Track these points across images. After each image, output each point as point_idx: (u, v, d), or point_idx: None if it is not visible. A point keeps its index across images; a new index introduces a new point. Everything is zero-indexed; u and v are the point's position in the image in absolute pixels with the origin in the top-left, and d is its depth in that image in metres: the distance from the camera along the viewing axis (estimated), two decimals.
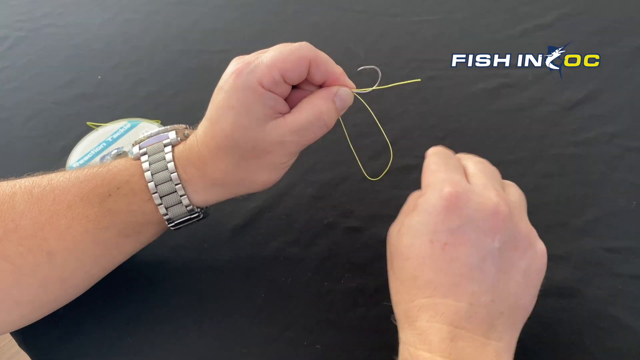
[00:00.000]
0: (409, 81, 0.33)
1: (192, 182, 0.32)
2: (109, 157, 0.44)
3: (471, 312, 0.25)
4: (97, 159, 0.44)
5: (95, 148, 0.45)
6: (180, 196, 0.31)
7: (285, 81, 0.30)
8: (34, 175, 0.33)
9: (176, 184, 0.31)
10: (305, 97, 0.32)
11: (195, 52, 0.57)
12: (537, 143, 0.45)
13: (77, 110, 0.52)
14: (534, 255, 0.28)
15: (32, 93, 0.55)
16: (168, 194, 0.31)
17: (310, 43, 0.60)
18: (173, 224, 0.33)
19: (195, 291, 0.37)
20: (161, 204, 0.31)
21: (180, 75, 0.55)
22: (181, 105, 0.52)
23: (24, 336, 0.35)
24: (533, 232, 0.29)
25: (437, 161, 0.30)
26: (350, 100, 0.32)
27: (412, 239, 0.27)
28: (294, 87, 0.32)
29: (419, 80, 0.33)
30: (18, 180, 0.32)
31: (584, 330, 0.33)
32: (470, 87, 0.50)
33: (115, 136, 0.46)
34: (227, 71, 0.31)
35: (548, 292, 0.35)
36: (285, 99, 0.32)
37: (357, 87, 0.33)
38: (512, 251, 0.26)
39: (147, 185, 0.31)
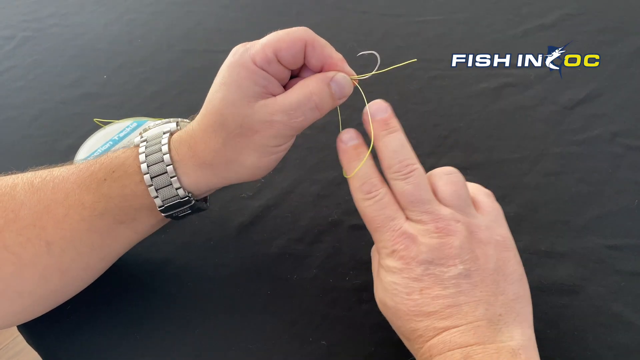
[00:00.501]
0: (406, 62, 0.33)
1: (183, 163, 0.32)
2: None
3: (473, 328, 0.26)
4: None
5: (101, 147, 0.46)
6: (171, 178, 0.31)
7: (280, 61, 0.30)
8: (36, 169, 0.33)
9: (167, 165, 0.31)
10: None
11: (199, 52, 0.58)
12: (540, 142, 0.45)
13: (83, 109, 0.52)
14: (496, 249, 0.29)
15: (38, 92, 0.55)
16: (159, 175, 0.31)
17: None
18: (163, 208, 0.32)
19: (201, 288, 0.37)
20: (151, 185, 0.31)
21: (184, 75, 0.55)
22: (186, 104, 0.52)
23: (31, 333, 0.36)
24: (481, 228, 0.29)
25: (369, 205, 0.29)
26: (348, 87, 0.31)
27: (392, 300, 0.28)
28: (295, 76, 0.32)
29: (415, 60, 0.32)
30: (21, 173, 0.33)
31: (586, 326, 0.34)
32: (473, 87, 0.51)
33: (121, 135, 0.47)
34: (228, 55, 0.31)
35: (551, 289, 0.35)
36: (285, 87, 0.32)
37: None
38: (476, 261, 0.28)
39: (140, 167, 0.31)
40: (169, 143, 0.32)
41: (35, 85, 0.56)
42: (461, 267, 0.27)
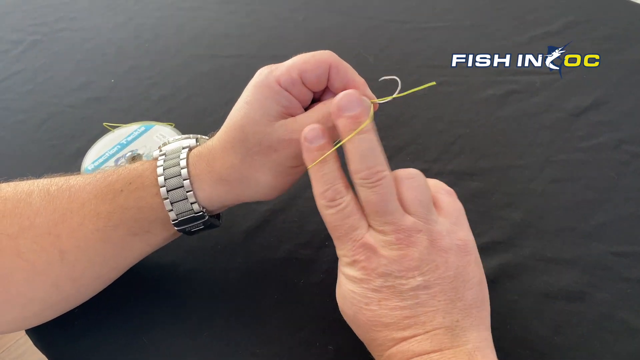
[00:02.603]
0: (425, 85, 0.32)
1: (200, 178, 0.32)
2: (123, 160, 0.45)
3: (430, 337, 0.27)
4: (112, 161, 0.45)
5: (109, 150, 0.46)
6: (187, 192, 0.32)
7: (304, 83, 0.30)
8: (52, 176, 0.34)
9: (184, 179, 0.32)
10: None
11: (207, 57, 0.58)
12: (546, 149, 0.45)
13: (91, 113, 0.53)
14: (457, 255, 0.28)
15: (46, 96, 0.56)
16: (175, 189, 0.31)
17: (320, 48, 0.60)
18: (177, 222, 0.32)
19: (209, 292, 0.37)
20: (167, 198, 0.32)
21: (192, 80, 0.56)
22: (193, 108, 0.52)
23: (39, 336, 0.36)
24: (442, 235, 0.28)
25: (331, 214, 0.29)
26: (368, 110, 0.30)
27: (352, 308, 0.28)
28: (317, 100, 0.33)
29: (434, 83, 0.32)
30: (36, 180, 0.33)
31: (592, 333, 0.34)
32: (479, 93, 0.51)
33: (129, 139, 0.47)
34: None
35: (557, 296, 0.35)
36: (306, 110, 0.32)
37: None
38: (436, 271, 0.27)
39: (157, 179, 0.32)
40: (187, 158, 0.32)
41: (44, 88, 0.56)
42: (420, 279, 0.27)
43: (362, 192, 0.28)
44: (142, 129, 0.48)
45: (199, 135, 0.35)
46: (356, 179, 0.28)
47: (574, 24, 0.57)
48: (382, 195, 0.28)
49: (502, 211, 0.41)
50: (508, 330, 0.30)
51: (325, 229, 0.40)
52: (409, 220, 0.28)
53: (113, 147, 0.46)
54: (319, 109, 0.31)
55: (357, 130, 0.28)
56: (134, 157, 0.45)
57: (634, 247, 0.38)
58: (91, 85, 0.56)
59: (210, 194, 0.32)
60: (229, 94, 0.53)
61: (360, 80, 0.32)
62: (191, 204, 0.32)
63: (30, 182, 0.33)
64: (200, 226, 0.34)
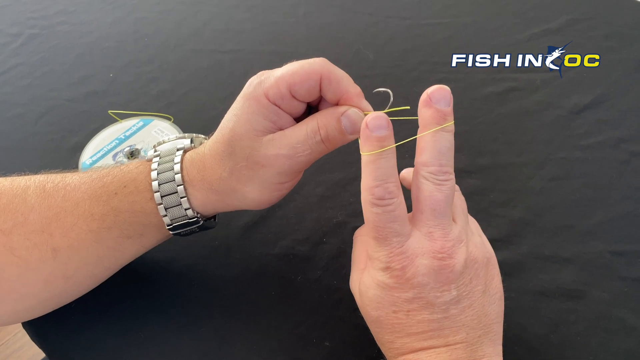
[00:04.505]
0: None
1: (192, 185, 0.32)
2: (121, 154, 0.45)
3: (450, 351, 0.26)
4: (110, 156, 0.45)
5: (107, 145, 0.46)
6: (181, 198, 0.31)
7: (294, 96, 0.29)
8: (50, 173, 0.34)
9: (178, 185, 0.31)
10: None
11: (206, 52, 0.58)
12: (545, 146, 0.45)
13: (90, 107, 0.53)
14: (486, 270, 0.28)
15: (44, 90, 0.55)
16: (169, 194, 0.31)
17: (320, 44, 0.60)
18: (172, 227, 0.32)
19: (206, 288, 0.37)
20: (161, 203, 0.31)
21: (191, 74, 0.55)
22: (192, 103, 0.52)
23: (36, 330, 0.36)
24: (475, 249, 0.28)
25: (376, 212, 0.27)
26: (360, 123, 0.29)
27: (376, 310, 0.28)
28: (312, 108, 0.32)
29: (409, 107, 0.30)
30: (33, 176, 0.33)
31: (589, 332, 0.34)
32: (479, 91, 0.51)
33: (127, 134, 0.47)
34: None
35: (554, 294, 0.35)
36: (300, 119, 0.31)
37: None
38: (467, 285, 0.27)
39: (151, 184, 0.31)
40: (181, 162, 0.32)
41: (42, 82, 0.56)
42: (455, 292, 0.26)
43: (426, 186, 0.27)
44: (141, 123, 0.48)
45: (194, 135, 0.35)
46: (423, 171, 0.27)
47: (575, 21, 0.57)
48: (447, 195, 0.27)
49: (501, 209, 0.41)
50: (504, 328, 0.30)
51: (323, 225, 0.41)
52: (456, 228, 0.27)
53: (111, 142, 0.46)
54: (307, 123, 0.30)
55: (443, 126, 0.27)
56: (132, 152, 0.45)
57: (632, 246, 0.38)
58: (90, 79, 0.56)
59: (203, 201, 0.32)
60: (228, 89, 0.53)
61: (356, 91, 0.30)
62: (185, 209, 0.32)
63: (27, 177, 0.33)
64: (195, 230, 0.34)
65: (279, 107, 0.29)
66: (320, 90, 0.29)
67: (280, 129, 0.30)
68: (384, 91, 0.30)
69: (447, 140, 0.27)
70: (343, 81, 0.29)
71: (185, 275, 0.38)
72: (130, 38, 0.61)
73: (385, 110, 0.28)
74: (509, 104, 0.49)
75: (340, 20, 0.60)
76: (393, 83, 0.52)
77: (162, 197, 0.31)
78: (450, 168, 0.28)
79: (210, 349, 0.34)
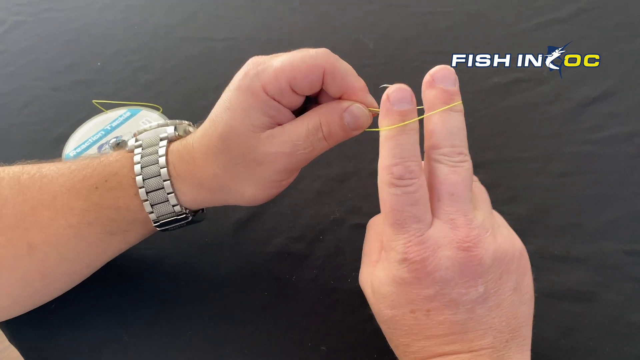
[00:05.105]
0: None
1: (180, 180, 0.29)
2: (107, 146, 0.43)
3: (474, 357, 0.23)
4: (95, 147, 0.43)
5: (93, 136, 0.44)
6: (168, 194, 0.29)
7: (294, 91, 0.27)
8: (26, 163, 0.31)
9: (164, 180, 0.29)
10: None
11: (198, 40, 0.56)
12: (553, 141, 0.43)
13: (76, 97, 0.50)
14: (517, 264, 0.25)
15: (29, 79, 0.53)
16: (155, 190, 0.29)
17: (318, 32, 0.58)
18: (159, 224, 0.31)
19: (195, 288, 0.35)
20: (147, 200, 0.29)
21: (182, 63, 0.53)
22: (182, 93, 0.50)
23: (13, 332, 0.34)
24: (503, 240, 0.25)
25: (394, 194, 0.24)
26: (364, 119, 0.28)
27: (391, 309, 0.25)
28: (312, 99, 0.30)
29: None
30: (7, 167, 0.31)
31: (601, 336, 0.32)
32: (484, 82, 0.49)
33: (114, 124, 0.44)
34: (240, 70, 0.28)
35: (565, 296, 0.34)
36: (299, 110, 0.29)
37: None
38: (496, 281, 0.24)
39: (135, 179, 0.29)
40: (167, 154, 0.30)
41: (27, 71, 0.54)
42: (482, 289, 0.23)
43: (440, 170, 0.24)
44: (128, 114, 0.46)
45: (177, 122, 0.32)
46: (435, 154, 0.25)
47: (583, 11, 0.54)
48: (464, 177, 0.24)
49: (506, 206, 0.39)
50: None
51: (320, 222, 0.39)
52: (480, 216, 0.25)
53: (97, 133, 0.44)
54: (308, 118, 0.28)
55: (450, 105, 0.25)
56: (119, 144, 0.43)
57: None
58: (76, 67, 0.54)
59: (193, 198, 0.30)
60: (220, 79, 0.50)
61: (360, 85, 0.28)
62: (173, 206, 0.30)
63: (0, 169, 0.30)
64: (183, 224, 0.32)
65: (278, 102, 0.27)
66: (323, 83, 0.27)
67: (279, 124, 0.28)
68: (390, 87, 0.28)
69: (458, 119, 0.25)
70: (347, 75, 0.28)
71: (173, 274, 0.36)
72: (119, 25, 0.59)
73: (392, 127, 0.26)
74: (515, 95, 0.47)
75: (339, 8, 0.58)
76: (393, 73, 0.50)
77: (147, 193, 0.29)
78: (464, 149, 0.25)
79: (199, 353, 0.32)
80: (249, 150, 0.28)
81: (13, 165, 0.31)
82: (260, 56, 0.28)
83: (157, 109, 0.46)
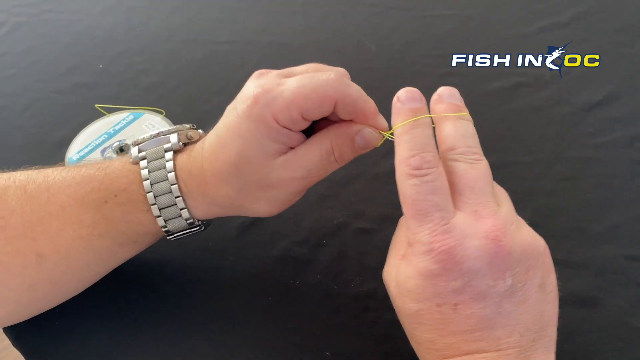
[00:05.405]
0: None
1: (192, 197, 0.30)
2: (110, 150, 0.43)
3: (501, 358, 0.23)
4: (98, 151, 0.43)
5: (95, 140, 0.44)
6: (180, 209, 0.30)
7: (304, 118, 0.28)
8: (30, 169, 0.31)
9: (176, 197, 0.29)
10: (326, 127, 0.29)
11: (200, 42, 0.56)
12: (555, 145, 0.43)
13: (77, 99, 0.50)
14: (542, 261, 0.25)
15: (30, 81, 0.53)
16: (167, 207, 0.29)
17: (320, 35, 0.58)
18: (172, 236, 0.31)
19: (199, 292, 0.35)
20: (160, 216, 0.29)
21: (184, 66, 0.53)
22: (185, 96, 0.50)
23: (17, 336, 0.34)
24: (528, 233, 0.25)
25: (414, 184, 0.24)
26: (374, 141, 0.29)
27: (417, 303, 0.24)
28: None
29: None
30: (13, 174, 0.31)
31: (604, 341, 0.32)
32: (486, 86, 0.49)
33: (117, 128, 0.44)
34: (245, 90, 0.28)
35: (567, 301, 0.33)
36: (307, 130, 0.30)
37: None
38: (524, 275, 0.24)
39: (145, 195, 0.29)
40: (175, 169, 0.30)
41: (28, 73, 0.54)
42: (510, 281, 0.23)
43: (459, 167, 0.25)
44: (131, 117, 0.45)
45: (178, 127, 0.32)
46: (451, 154, 0.25)
47: (585, 14, 0.54)
48: (482, 172, 0.25)
49: None
50: None
51: (323, 226, 0.39)
52: (503, 209, 0.25)
53: (100, 137, 0.44)
54: (320, 143, 0.28)
55: (460, 114, 0.26)
56: (122, 148, 0.43)
57: None
58: (78, 70, 0.53)
59: (204, 213, 0.31)
60: (222, 82, 0.51)
61: (371, 110, 0.28)
62: (186, 220, 0.30)
63: (5, 176, 0.30)
64: (195, 233, 0.32)
65: (290, 129, 0.28)
66: (334, 109, 0.28)
67: (291, 147, 0.29)
68: None
69: (469, 126, 0.26)
70: (359, 102, 0.28)
71: (176, 278, 0.36)
72: (121, 27, 0.58)
73: (404, 122, 0.27)
74: (517, 99, 0.47)
75: (341, 10, 0.58)
76: (395, 77, 0.50)
77: (160, 209, 0.29)
78: (479, 150, 0.26)
79: (202, 357, 0.32)
80: (262, 177, 0.28)
81: (18, 171, 0.31)
82: (266, 74, 0.28)
83: (160, 113, 0.46)
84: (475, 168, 0.25)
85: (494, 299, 0.23)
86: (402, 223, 0.28)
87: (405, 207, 0.25)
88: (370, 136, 0.29)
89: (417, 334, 0.25)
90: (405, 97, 0.26)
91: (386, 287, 0.27)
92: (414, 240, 0.24)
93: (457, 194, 0.25)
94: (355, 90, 0.28)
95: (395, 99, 0.26)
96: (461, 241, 0.23)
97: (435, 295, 0.23)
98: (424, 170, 0.24)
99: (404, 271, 0.25)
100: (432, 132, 0.26)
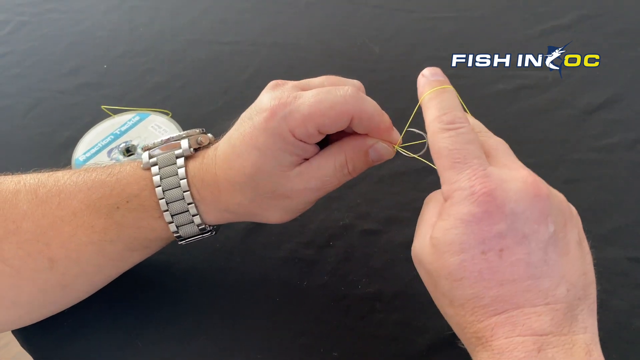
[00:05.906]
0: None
1: (204, 204, 0.30)
2: (117, 151, 0.43)
3: (551, 312, 0.22)
4: (105, 152, 0.43)
5: (102, 141, 0.44)
6: (193, 216, 0.30)
7: (320, 132, 0.28)
8: (40, 172, 0.31)
9: (189, 203, 0.30)
10: (340, 138, 0.30)
11: (204, 43, 0.56)
12: (558, 147, 0.44)
13: (82, 99, 0.50)
14: (577, 219, 0.25)
15: (34, 81, 0.53)
16: (179, 213, 0.30)
17: (324, 37, 0.58)
18: (184, 241, 0.32)
19: (206, 293, 0.35)
20: (172, 222, 0.30)
21: (189, 66, 0.53)
22: (190, 97, 0.50)
23: (26, 337, 0.34)
24: (557, 192, 0.26)
25: (449, 136, 0.25)
26: (387, 155, 0.30)
27: (458, 255, 0.23)
28: None
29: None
30: (23, 177, 0.31)
31: (608, 343, 0.32)
32: (489, 88, 0.49)
33: (123, 129, 0.45)
34: (262, 101, 0.28)
35: None
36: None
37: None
38: (563, 226, 0.23)
39: (157, 202, 0.30)
40: (187, 176, 0.30)
41: (32, 73, 0.54)
42: (552, 228, 0.22)
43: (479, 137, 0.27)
44: (137, 118, 0.46)
45: (188, 132, 0.32)
46: (435, 125, 0.26)
47: (586, 17, 0.55)
48: (501, 143, 0.28)
49: None
50: None
51: (329, 228, 0.39)
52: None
53: (106, 137, 0.44)
54: (335, 156, 0.29)
55: (442, 87, 0.27)
56: (128, 149, 0.43)
57: None
58: (82, 70, 0.54)
59: (216, 219, 0.31)
60: (227, 83, 0.51)
61: (385, 125, 0.29)
62: (198, 226, 0.31)
63: (16, 179, 0.30)
64: (205, 237, 0.33)
65: (305, 142, 0.28)
66: (351, 125, 0.29)
67: (305, 159, 0.29)
68: (418, 133, 0.30)
69: (452, 95, 0.27)
70: (374, 118, 0.29)
71: (183, 280, 0.36)
72: (125, 27, 0.58)
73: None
74: (520, 102, 0.47)
75: (345, 12, 0.58)
76: (399, 78, 0.50)
77: (172, 216, 0.30)
78: (465, 118, 0.26)
79: (209, 358, 0.33)
80: (277, 187, 0.29)
81: (27, 174, 0.31)
82: (282, 85, 0.29)
83: (167, 114, 0.46)
84: (492, 138, 0.28)
85: (539, 245, 0.22)
86: (431, 199, 0.27)
87: (440, 161, 0.25)
88: (383, 150, 0.30)
89: (459, 293, 0.23)
90: (430, 72, 0.28)
91: (417, 264, 0.26)
92: (452, 190, 0.24)
93: (490, 156, 0.26)
94: (372, 106, 0.28)
95: (420, 76, 0.28)
96: (501, 185, 0.23)
97: (479, 242, 0.22)
98: (457, 124, 0.25)
99: (442, 226, 0.24)
100: (458, 102, 0.27)
